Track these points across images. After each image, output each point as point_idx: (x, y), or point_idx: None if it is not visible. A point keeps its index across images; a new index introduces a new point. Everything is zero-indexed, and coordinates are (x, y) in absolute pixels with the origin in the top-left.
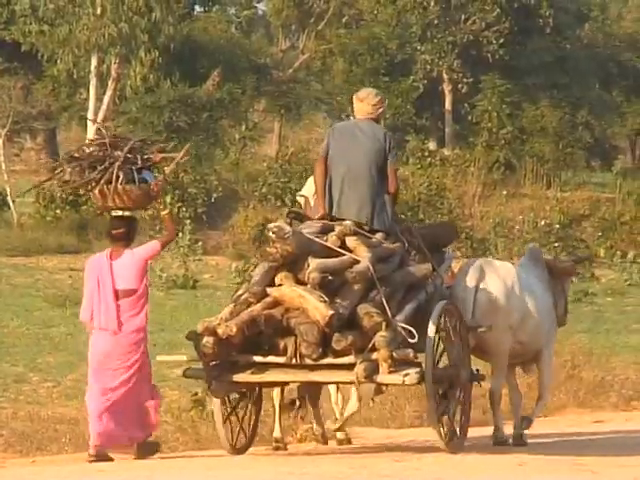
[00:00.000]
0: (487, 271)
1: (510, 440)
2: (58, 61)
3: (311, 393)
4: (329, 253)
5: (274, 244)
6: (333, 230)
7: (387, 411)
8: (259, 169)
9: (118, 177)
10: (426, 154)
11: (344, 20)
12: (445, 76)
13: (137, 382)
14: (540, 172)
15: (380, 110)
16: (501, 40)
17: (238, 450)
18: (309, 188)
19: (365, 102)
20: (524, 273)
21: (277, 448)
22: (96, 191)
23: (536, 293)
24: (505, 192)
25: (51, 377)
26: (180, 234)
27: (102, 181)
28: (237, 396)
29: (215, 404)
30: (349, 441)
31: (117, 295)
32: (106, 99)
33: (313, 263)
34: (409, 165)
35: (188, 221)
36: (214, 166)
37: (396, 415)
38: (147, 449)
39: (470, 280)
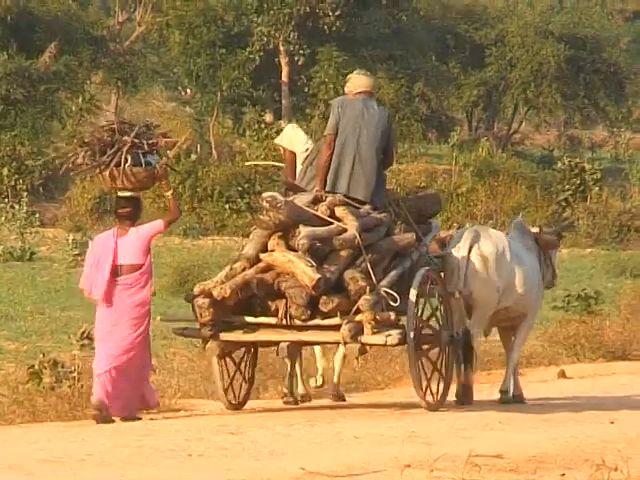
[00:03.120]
0: (482, 235)
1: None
2: None
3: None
4: (319, 222)
5: (267, 212)
6: (324, 201)
7: None
8: None
9: (127, 160)
10: (263, 126)
11: None
12: (282, 48)
13: (140, 353)
14: None
15: (374, 83)
16: (337, 12)
17: (235, 406)
18: (290, 139)
19: (359, 76)
20: (514, 244)
21: (302, 401)
22: (106, 173)
23: (524, 262)
24: None
25: None
26: (17, 206)
27: (112, 164)
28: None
29: (212, 362)
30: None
31: (121, 270)
32: None
33: (303, 231)
34: (246, 137)
35: (25, 193)
36: (51, 138)
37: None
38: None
39: (465, 242)
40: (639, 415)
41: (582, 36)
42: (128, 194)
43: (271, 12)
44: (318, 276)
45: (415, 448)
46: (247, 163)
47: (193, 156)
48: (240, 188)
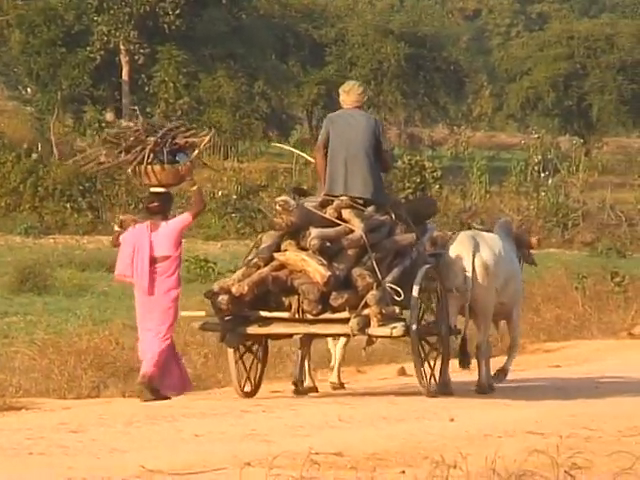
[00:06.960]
0: (480, 241)
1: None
2: None
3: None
4: (327, 224)
5: (280, 215)
6: (331, 204)
7: (64, 382)
8: None
9: (148, 159)
10: (103, 125)
11: None
12: (122, 47)
13: (172, 337)
14: (217, 143)
15: (365, 98)
16: (177, 11)
17: (247, 394)
18: None
19: (351, 93)
20: (502, 243)
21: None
22: (129, 171)
23: (512, 260)
24: None
25: None
26: None
27: (134, 163)
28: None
29: (229, 354)
30: (342, 386)
31: (155, 261)
32: None
33: (314, 232)
34: (87, 136)
35: None
36: None
37: (73, 385)
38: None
39: (467, 248)
40: (478, 412)
41: (422, 34)
42: (158, 190)
43: (111, 11)
44: (329, 273)
45: (255, 446)
46: (274, 144)
47: (34, 155)
48: (81, 187)
